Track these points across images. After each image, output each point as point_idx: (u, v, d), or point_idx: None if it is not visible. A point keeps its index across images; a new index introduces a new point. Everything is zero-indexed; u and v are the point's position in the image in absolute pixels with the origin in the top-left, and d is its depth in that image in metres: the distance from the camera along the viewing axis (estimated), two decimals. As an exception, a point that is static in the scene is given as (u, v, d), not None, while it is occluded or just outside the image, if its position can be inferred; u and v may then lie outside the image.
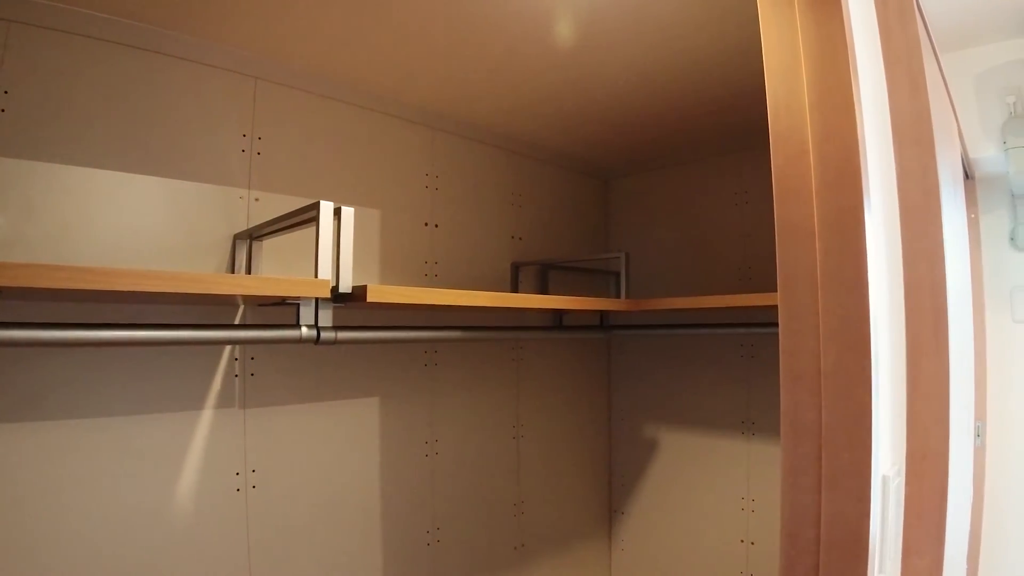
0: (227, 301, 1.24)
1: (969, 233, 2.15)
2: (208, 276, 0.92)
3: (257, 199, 1.37)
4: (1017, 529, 2.36)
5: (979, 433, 2.28)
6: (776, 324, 0.86)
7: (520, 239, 1.92)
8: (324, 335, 1.13)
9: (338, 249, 1.08)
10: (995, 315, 2.33)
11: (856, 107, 0.84)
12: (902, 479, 1.06)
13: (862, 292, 0.81)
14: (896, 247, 1.08)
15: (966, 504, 1.63)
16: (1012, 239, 2.32)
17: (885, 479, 0.90)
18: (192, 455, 1.27)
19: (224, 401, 1.31)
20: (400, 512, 1.59)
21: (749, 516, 1.89)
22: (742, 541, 1.90)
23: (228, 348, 1.32)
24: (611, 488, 2.23)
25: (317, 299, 1.10)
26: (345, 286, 1.07)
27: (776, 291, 0.86)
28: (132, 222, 1.21)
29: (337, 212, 1.09)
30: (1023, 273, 2.30)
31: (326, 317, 1.13)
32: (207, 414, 1.29)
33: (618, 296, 1.71)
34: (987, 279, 2.34)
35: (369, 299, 1.05)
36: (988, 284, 2.34)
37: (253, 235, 1.31)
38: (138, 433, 1.20)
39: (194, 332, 1.06)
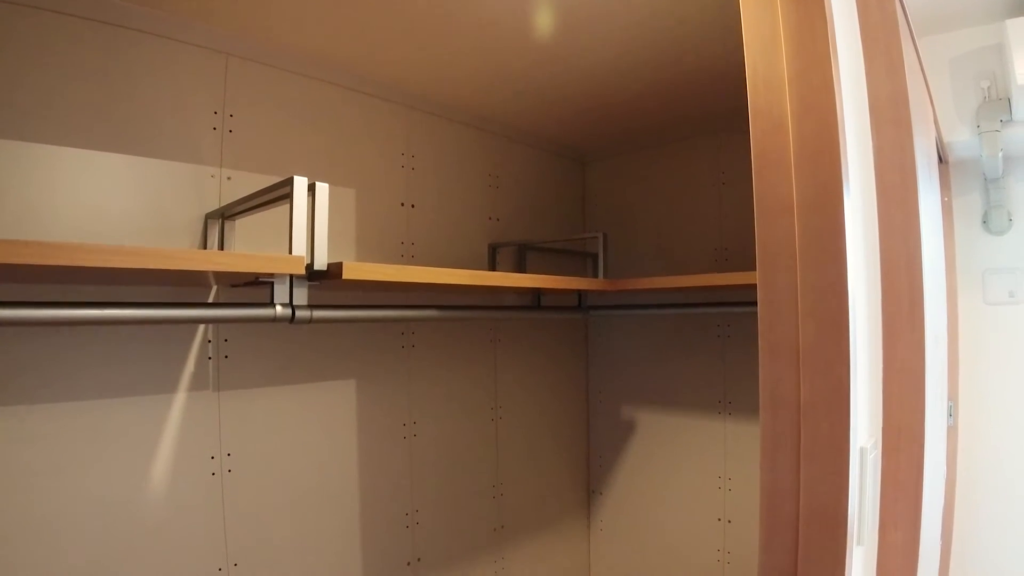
0: (199, 282, 1.21)
1: (943, 216, 2.17)
2: (179, 252, 0.90)
3: (229, 178, 1.34)
4: (989, 508, 2.41)
5: (951, 413, 2.32)
6: (753, 303, 0.86)
7: (498, 220, 1.91)
8: (299, 314, 1.11)
9: (312, 226, 1.06)
10: (967, 297, 2.36)
11: (835, 83, 0.84)
12: (879, 452, 1.07)
13: (840, 266, 0.82)
14: (873, 224, 1.08)
15: (940, 481, 1.65)
16: (985, 222, 2.36)
17: (863, 451, 0.91)
18: (166, 439, 1.24)
19: (198, 384, 1.29)
20: (379, 494, 1.58)
21: (726, 495, 1.91)
22: (719, 519, 1.92)
23: (201, 330, 1.29)
24: (589, 468, 2.24)
25: (291, 276, 1.08)
26: (320, 263, 1.05)
27: (753, 270, 0.86)
28: (100, 202, 1.18)
29: (311, 188, 1.06)
30: (995, 256, 2.34)
31: (301, 296, 1.11)
32: (180, 397, 1.26)
33: (596, 277, 1.71)
34: (959, 262, 2.38)
35: (345, 276, 1.03)
36: (960, 267, 2.38)
37: (225, 214, 1.29)
38: (109, 417, 1.17)
39: (166, 311, 1.03)
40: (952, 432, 2.33)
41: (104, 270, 0.90)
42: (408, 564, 1.65)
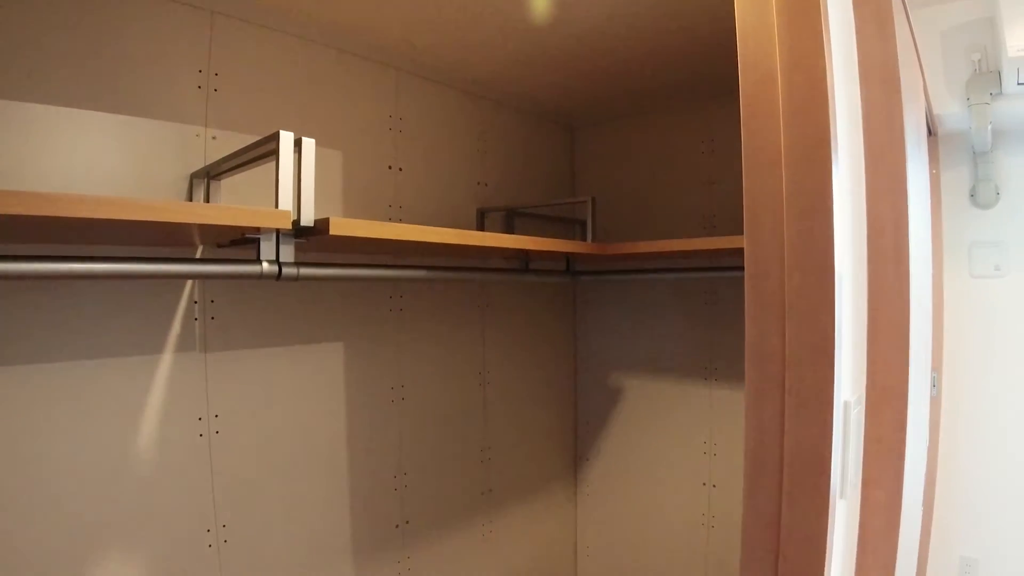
0: (184, 240, 1.20)
1: (930, 189, 2.18)
2: (165, 203, 0.89)
3: (214, 137, 1.33)
4: (970, 479, 2.45)
5: (935, 384, 2.35)
6: (741, 268, 0.87)
7: (486, 185, 1.90)
8: (286, 271, 1.10)
9: (299, 182, 1.04)
10: (953, 271, 2.38)
11: (824, 36, 0.84)
12: (863, 408, 1.08)
13: (827, 218, 0.82)
14: (860, 183, 1.08)
15: (923, 446, 1.67)
16: (972, 196, 2.37)
17: (847, 405, 0.91)
18: (152, 401, 1.24)
19: (184, 345, 1.28)
20: (367, 457, 1.58)
21: (711, 460, 1.92)
22: (704, 484, 1.94)
23: (187, 291, 1.28)
24: (576, 434, 2.26)
25: (278, 232, 1.07)
26: (307, 219, 1.04)
27: (742, 235, 0.86)
28: (83, 161, 1.16)
29: (298, 144, 1.05)
30: (982, 230, 2.36)
31: (288, 253, 1.10)
32: (167, 358, 1.26)
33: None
34: (946, 235, 2.39)
35: (332, 232, 1.02)
36: (947, 240, 2.39)
37: (211, 173, 1.27)
38: (94, 378, 1.16)
39: (151, 265, 1.02)
40: (936, 403, 2.36)
41: (87, 225, 0.89)
42: (397, 526, 1.66)
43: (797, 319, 0.83)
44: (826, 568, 0.84)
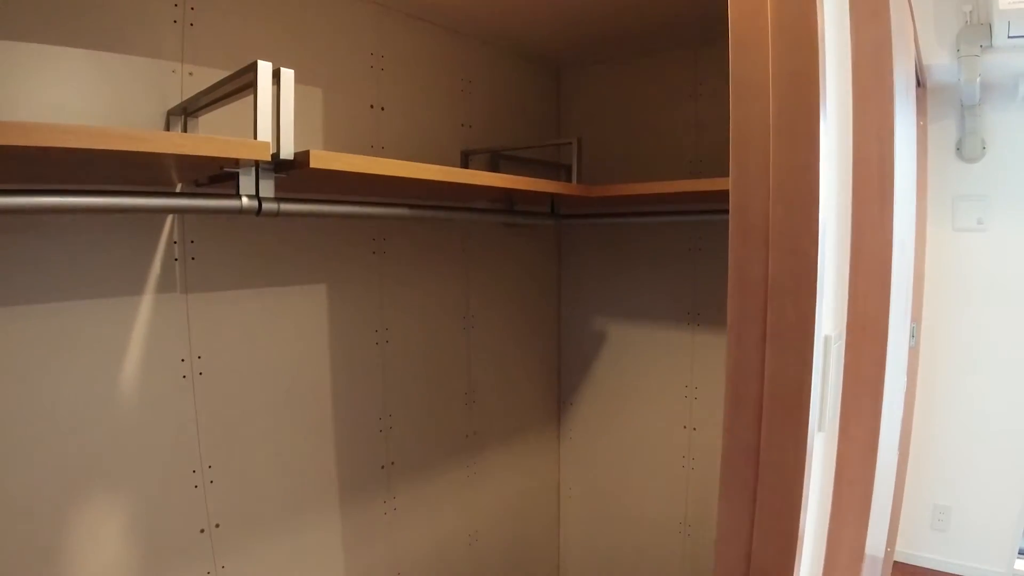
0: (162, 177, 1.18)
1: (917, 141, 2.18)
2: (143, 132, 0.86)
3: (191, 74, 1.29)
4: (945, 429, 2.51)
5: (914, 335, 2.38)
6: (727, 211, 0.86)
7: (470, 127, 1.87)
8: (266, 206, 1.08)
9: (278, 114, 1.02)
10: (936, 223, 2.40)
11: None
12: (843, 344, 1.09)
13: (813, 148, 0.81)
14: (848, 119, 1.08)
15: (900, 388, 1.70)
16: (958, 149, 2.38)
17: (827, 339, 0.92)
18: (134, 342, 1.22)
19: (164, 286, 1.26)
20: (352, 399, 1.58)
21: (692, 403, 1.95)
22: (684, 427, 1.98)
23: (166, 230, 1.26)
24: (560, 378, 2.27)
25: (257, 165, 1.05)
26: (286, 152, 1.02)
27: (728, 177, 0.85)
28: (52, 99, 1.12)
29: (276, 75, 1.02)
30: (966, 183, 2.37)
31: (267, 188, 1.07)
32: (147, 299, 1.24)
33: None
34: (931, 188, 2.40)
35: (312, 165, 1.00)
36: (932, 193, 2.40)
37: (187, 110, 1.24)
38: (74, 320, 1.14)
39: (130, 199, 1.00)
40: (914, 354, 2.39)
41: (61, 159, 0.87)
42: (382, 467, 1.67)
43: (780, 247, 0.82)
44: (803, 498, 0.85)
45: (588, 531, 2.31)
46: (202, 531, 1.32)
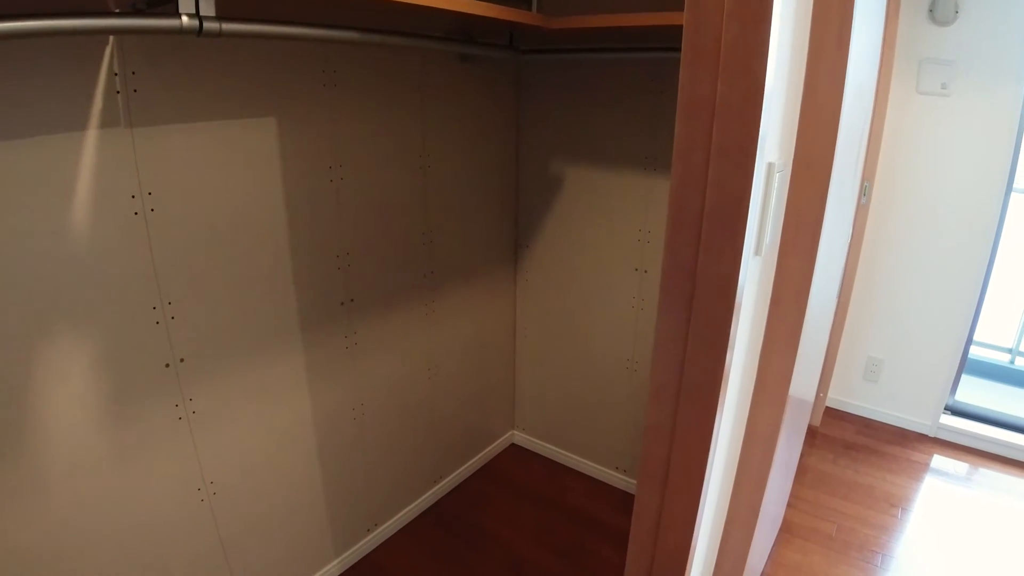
0: (97, 4, 1.11)
1: (888, 1, 2.13)
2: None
3: None
4: (884, 284, 2.63)
5: (865, 192, 2.44)
6: None
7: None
8: (207, 25, 1.03)
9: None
10: (900, 85, 2.40)
11: None
12: (787, 175, 1.12)
13: (770, -38, 0.79)
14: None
15: (844, 237, 1.76)
16: (931, 11, 2.33)
17: (770, 166, 0.95)
18: (82, 180, 1.19)
19: (108, 121, 1.21)
20: (309, 236, 1.58)
21: (644, 247, 2.00)
22: (636, 269, 2.04)
23: (105, 61, 1.20)
24: (517, 221, 2.31)
25: (198, -22, 0.99)
26: (228, -38, 0.97)
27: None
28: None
29: None
30: (935, 47, 2.34)
31: (208, 7, 1.02)
32: (91, 135, 1.19)
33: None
34: (899, 48, 2.37)
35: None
36: (899, 53, 2.38)
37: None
38: (15, 158, 1.10)
39: (63, 21, 0.93)
40: (864, 210, 2.46)
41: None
42: (342, 304, 1.71)
43: (730, 67, 0.83)
44: (734, 312, 0.90)
45: (542, 367, 2.43)
46: (167, 365, 1.36)
